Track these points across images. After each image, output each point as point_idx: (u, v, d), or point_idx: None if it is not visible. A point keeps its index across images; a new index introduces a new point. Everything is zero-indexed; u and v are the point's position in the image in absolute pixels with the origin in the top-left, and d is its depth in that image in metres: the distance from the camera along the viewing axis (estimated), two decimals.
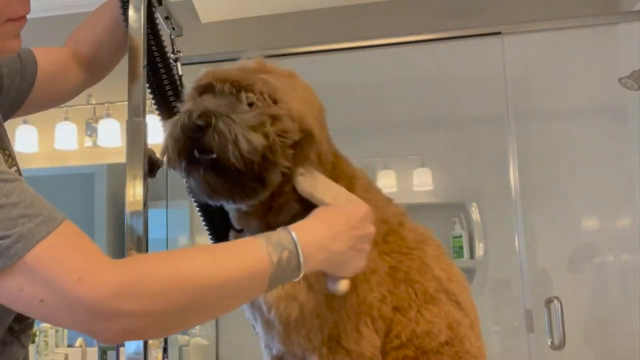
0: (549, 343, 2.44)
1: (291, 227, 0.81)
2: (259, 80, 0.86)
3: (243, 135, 0.80)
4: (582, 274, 2.82)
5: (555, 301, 2.44)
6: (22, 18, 0.87)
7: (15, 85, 1.06)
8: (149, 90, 1.01)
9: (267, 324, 0.99)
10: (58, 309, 0.69)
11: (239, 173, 0.82)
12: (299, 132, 0.86)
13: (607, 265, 2.83)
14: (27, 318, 0.98)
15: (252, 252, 0.75)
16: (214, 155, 0.81)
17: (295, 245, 0.78)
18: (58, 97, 1.18)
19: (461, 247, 2.97)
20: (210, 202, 0.90)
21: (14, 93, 1.06)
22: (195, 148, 0.82)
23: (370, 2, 3.26)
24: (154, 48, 0.99)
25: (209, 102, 0.84)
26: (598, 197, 2.76)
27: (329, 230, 0.83)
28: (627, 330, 2.55)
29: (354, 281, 0.93)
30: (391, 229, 1.00)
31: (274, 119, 0.84)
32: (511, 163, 2.60)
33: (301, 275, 0.80)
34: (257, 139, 0.81)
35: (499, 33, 2.57)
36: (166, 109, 1.04)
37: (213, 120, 0.79)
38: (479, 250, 2.97)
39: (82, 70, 1.17)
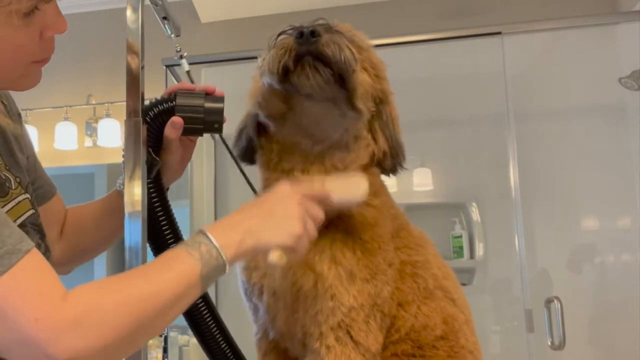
0: (549, 343, 2.44)
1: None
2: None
3: (347, 45, 0.95)
4: (582, 274, 2.82)
5: (555, 301, 2.43)
6: (46, 59, 0.90)
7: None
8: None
9: (274, 297, 0.97)
10: (13, 346, 0.68)
11: (338, 76, 0.93)
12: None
13: (607, 265, 2.83)
14: None
15: (175, 259, 0.78)
16: (324, 57, 0.92)
17: (206, 235, 0.80)
18: None
19: (461, 247, 2.96)
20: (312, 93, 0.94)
21: None
22: (307, 53, 0.93)
23: (370, 2, 3.27)
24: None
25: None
26: (598, 197, 2.75)
27: (235, 216, 0.85)
28: (627, 330, 2.55)
29: (373, 271, 0.93)
30: (402, 226, 1.03)
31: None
32: (511, 163, 2.60)
33: (227, 264, 0.80)
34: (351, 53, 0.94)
35: (499, 33, 2.57)
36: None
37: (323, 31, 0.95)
38: (479, 250, 2.96)
39: (61, 242, 1.15)
